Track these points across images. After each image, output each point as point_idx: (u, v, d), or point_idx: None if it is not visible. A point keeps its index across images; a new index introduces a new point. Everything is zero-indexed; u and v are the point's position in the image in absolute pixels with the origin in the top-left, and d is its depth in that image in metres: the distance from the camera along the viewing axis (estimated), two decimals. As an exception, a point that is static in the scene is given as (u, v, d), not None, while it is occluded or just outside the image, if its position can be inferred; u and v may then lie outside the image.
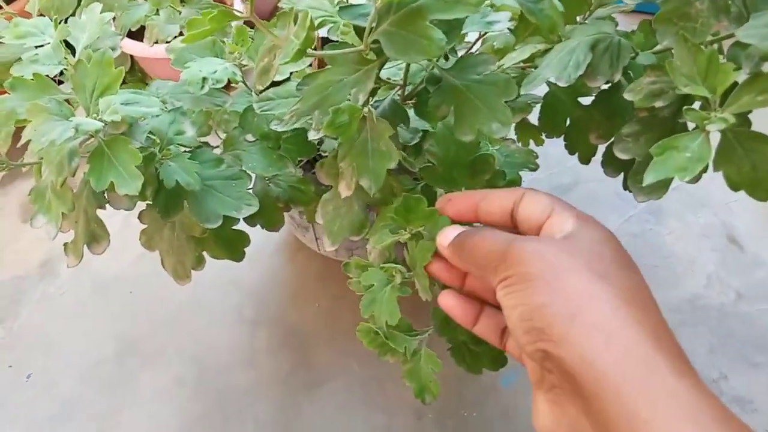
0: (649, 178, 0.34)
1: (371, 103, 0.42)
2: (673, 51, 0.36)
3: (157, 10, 0.58)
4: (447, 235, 0.37)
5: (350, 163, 0.39)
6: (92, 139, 0.38)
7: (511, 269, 0.30)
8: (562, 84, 0.45)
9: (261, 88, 0.35)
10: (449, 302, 0.39)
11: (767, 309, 0.76)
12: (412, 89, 0.44)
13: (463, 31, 0.42)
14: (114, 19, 0.55)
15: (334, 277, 0.79)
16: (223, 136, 0.55)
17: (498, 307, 0.36)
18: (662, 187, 0.45)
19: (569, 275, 0.29)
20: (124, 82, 0.92)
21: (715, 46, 0.39)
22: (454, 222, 0.40)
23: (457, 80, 0.39)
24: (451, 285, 0.40)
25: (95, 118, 0.36)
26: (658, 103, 0.38)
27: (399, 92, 0.44)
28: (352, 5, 0.35)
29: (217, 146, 0.54)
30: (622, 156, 0.44)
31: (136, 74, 0.89)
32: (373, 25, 0.33)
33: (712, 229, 0.83)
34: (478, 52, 0.41)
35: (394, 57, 0.33)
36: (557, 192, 0.91)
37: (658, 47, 0.46)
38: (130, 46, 0.78)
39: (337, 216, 0.49)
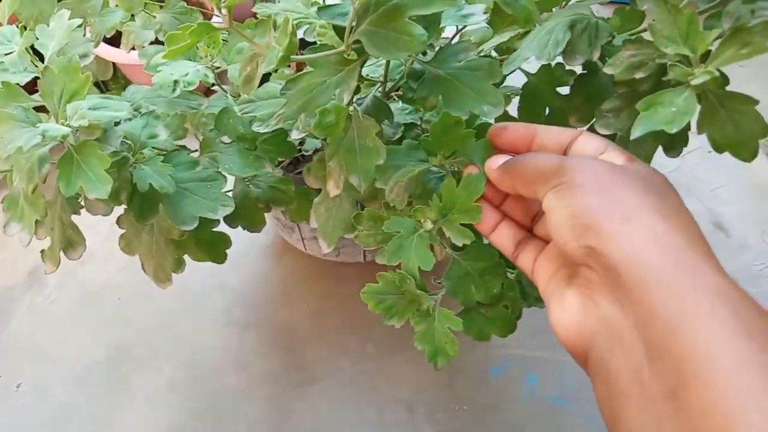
0: (636, 132, 0.35)
1: (355, 101, 0.43)
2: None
3: (132, 15, 0.58)
4: (498, 159, 0.38)
5: (339, 161, 0.39)
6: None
7: (564, 177, 0.32)
8: (543, 61, 0.46)
9: (248, 96, 0.35)
10: None
11: (754, 293, 0.76)
12: (392, 85, 0.44)
13: (441, 25, 0.42)
14: (89, 25, 0.55)
15: (322, 276, 0.80)
16: (201, 138, 0.55)
17: (523, 228, 0.39)
18: (645, 160, 0.45)
19: (622, 186, 0.31)
20: (107, 89, 0.92)
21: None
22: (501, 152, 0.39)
23: (440, 70, 0.39)
24: (489, 201, 0.40)
25: (63, 124, 0.36)
26: (639, 75, 0.39)
27: (380, 89, 0.44)
28: (329, 6, 0.35)
29: (196, 150, 0.54)
30: (604, 131, 0.44)
31: (119, 81, 0.90)
32: (353, 24, 0.33)
33: (698, 216, 0.82)
34: (456, 43, 0.41)
35: (376, 55, 0.33)
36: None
37: (638, 28, 0.46)
38: (109, 53, 0.78)
39: (329, 217, 0.49)
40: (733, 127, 0.37)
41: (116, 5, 0.54)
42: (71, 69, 0.37)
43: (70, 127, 0.35)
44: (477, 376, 0.71)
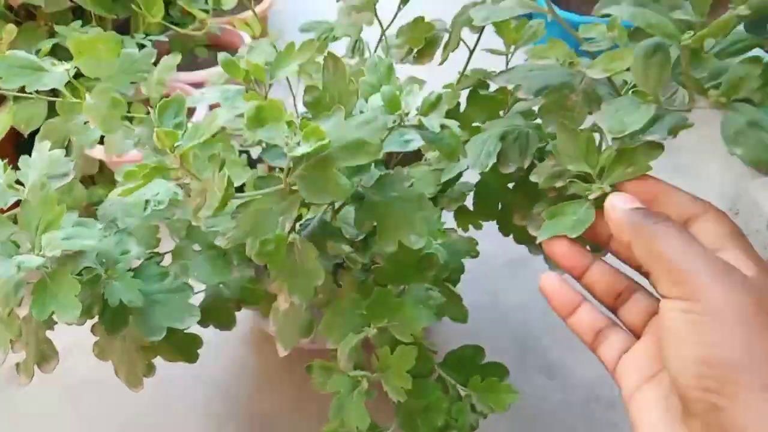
0: (542, 236, 0.39)
1: (302, 222, 0.46)
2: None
3: (113, 127, 0.63)
4: (627, 199, 0.34)
5: (281, 282, 0.42)
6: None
7: (695, 294, 0.28)
8: (476, 170, 0.50)
9: (197, 223, 0.38)
10: (551, 285, 0.38)
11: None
12: (340, 205, 0.48)
13: (385, 151, 0.47)
14: (70, 141, 0.59)
15: (299, 364, 0.80)
16: (177, 240, 0.58)
17: (604, 303, 0.37)
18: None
19: (764, 332, 0.27)
20: (94, 183, 0.95)
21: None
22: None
23: (377, 198, 0.43)
24: (570, 273, 0.39)
25: (38, 254, 0.39)
26: (558, 183, 0.43)
27: (329, 209, 0.48)
28: (272, 146, 0.38)
29: (170, 251, 0.57)
30: (534, 233, 0.48)
31: (105, 174, 0.93)
32: (290, 167, 0.37)
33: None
34: (394, 171, 0.45)
35: (308, 199, 0.36)
36: (515, 264, 0.94)
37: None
38: (94, 151, 0.83)
39: (287, 322, 0.52)
40: None
41: (98, 123, 0.58)
42: (48, 201, 0.40)
43: (44, 257, 0.39)
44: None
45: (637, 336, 0.36)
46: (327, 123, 0.35)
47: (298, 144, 0.34)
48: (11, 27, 0.82)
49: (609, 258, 0.40)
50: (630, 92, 0.43)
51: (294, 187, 0.39)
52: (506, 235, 0.63)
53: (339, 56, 0.38)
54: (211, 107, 0.83)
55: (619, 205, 0.34)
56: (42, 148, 0.46)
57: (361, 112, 0.40)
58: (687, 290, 0.29)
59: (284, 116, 0.34)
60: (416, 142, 0.46)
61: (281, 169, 0.38)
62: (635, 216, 0.33)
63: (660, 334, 0.31)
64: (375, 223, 0.43)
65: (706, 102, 0.36)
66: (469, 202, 0.62)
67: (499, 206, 0.62)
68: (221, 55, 0.42)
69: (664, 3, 0.37)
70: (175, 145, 0.35)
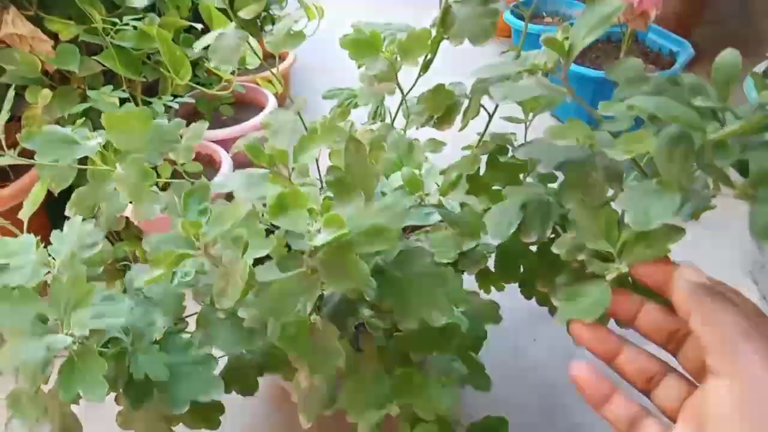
0: (558, 321, 0.39)
1: (324, 297, 0.46)
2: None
3: (141, 193, 0.64)
4: (695, 273, 0.35)
5: (302, 363, 0.42)
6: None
7: (744, 372, 0.29)
8: (496, 241, 0.50)
9: (220, 307, 0.39)
10: (583, 375, 0.37)
11: None
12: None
13: (406, 223, 0.47)
14: (99, 208, 0.61)
15: (320, 422, 0.80)
16: (201, 304, 0.59)
17: (636, 386, 0.37)
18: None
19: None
20: (120, 239, 0.97)
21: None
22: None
23: (398, 273, 0.43)
24: (600, 358, 0.38)
25: (66, 333, 0.40)
26: (580, 257, 0.43)
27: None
28: (295, 233, 0.39)
29: (195, 312, 0.58)
30: (557, 304, 0.47)
31: (131, 231, 0.95)
32: (312, 250, 0.38)
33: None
34: (415, 244, 0.45)
35: (328, 283, 0.37)
36: (536, 318, 0.93)
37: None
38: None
39: (308, 395, 0.52)
40: None
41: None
42: (78, 280, 0.41)
43: (72, 336, 0.39)
44: None
45: (671, 418, 0.36)
46: (347, 209, 0.36)
47: (319, 231, 0.34)
48: (46, 92, 0.86)
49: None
50: (654, 182, 0.42)
51: (315, 269, 0.39)
52: (528, 298, 0.63)
53: (361, 141, 0.39)
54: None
55: (687, 276, 0.35)
56: (74, 222, 0.48)
57: (383, 192, 0.40)
58: (737, 367, 0.29)
59: (306, 203, 0.35)
60: (435, 216, 0.47)
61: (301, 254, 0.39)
62: (699, 289, 0.34)
63: (702, 414, 0.31)
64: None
65: (732, 191, 0.36)
66: (490, 262, 0.62)
67: (521, 269, 0.62)
68: (245, 141, 0.43)
69: (684, 87, 0.37)
70: (200, 233, 0.36)
